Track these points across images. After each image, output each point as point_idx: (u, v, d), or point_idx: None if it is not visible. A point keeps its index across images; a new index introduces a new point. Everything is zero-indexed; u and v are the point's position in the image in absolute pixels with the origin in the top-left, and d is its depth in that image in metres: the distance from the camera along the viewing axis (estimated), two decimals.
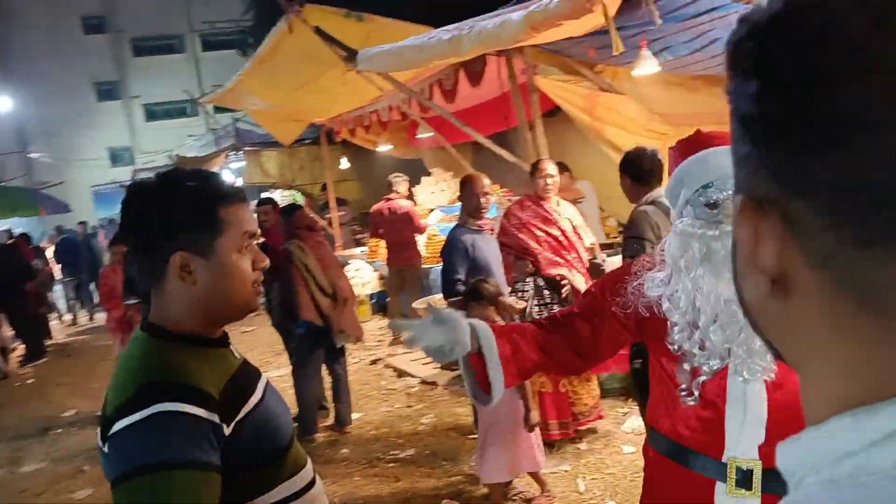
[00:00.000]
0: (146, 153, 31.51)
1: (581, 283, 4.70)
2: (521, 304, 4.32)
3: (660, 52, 4.94)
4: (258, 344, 9.07)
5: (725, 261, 1.65)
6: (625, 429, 5.04)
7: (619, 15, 4.31)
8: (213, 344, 1.46)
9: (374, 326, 9.09)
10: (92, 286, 15.23)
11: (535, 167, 4.81)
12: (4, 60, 30.69)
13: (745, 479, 1.70)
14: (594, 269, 3.87)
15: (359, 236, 11.45)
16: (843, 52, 0.40)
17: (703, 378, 1.72)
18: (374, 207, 8.34)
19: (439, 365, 7.04)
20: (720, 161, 1.71)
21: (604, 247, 5.96)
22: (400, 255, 8.17)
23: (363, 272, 9.44)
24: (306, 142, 12.59)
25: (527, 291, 4.71)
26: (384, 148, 10.40)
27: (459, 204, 9.95)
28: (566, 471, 4.55)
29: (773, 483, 1.69)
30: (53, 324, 13.54)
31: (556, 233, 4.73)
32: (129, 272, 6.03)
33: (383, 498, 4.56)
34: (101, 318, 13.20)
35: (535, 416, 3.85)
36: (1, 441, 6.91)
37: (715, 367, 1.70)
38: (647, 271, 1.84)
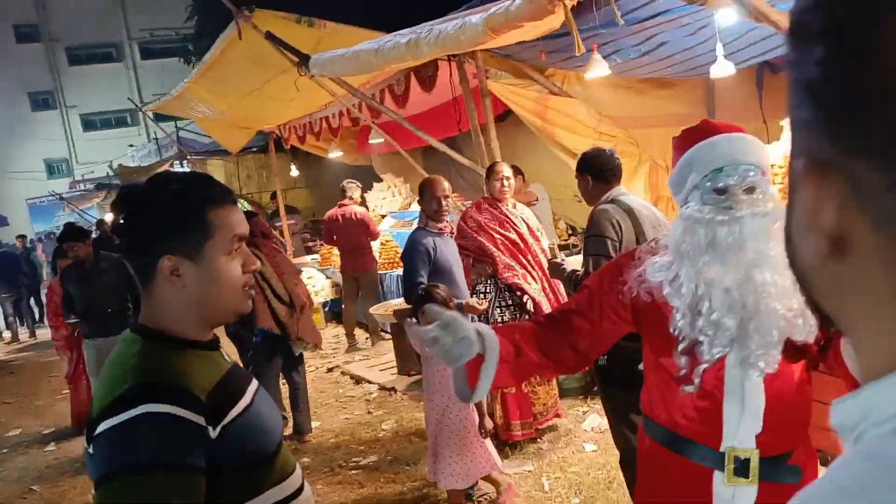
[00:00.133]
0: (85, 164, 30.71)
1: (537, 290, 4.74)
2: (483, 306, 4.34)
3: (610, 56, 5.03)
4: None
5: (732, 248, 1.67)
6: (585, 427, 5.10)
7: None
8: (202, 347, 1.44)
9: (329, 334, 9.02)
10: (32, 301, 14.74)
11: (491, 170, 4.84)
12: None
13: (742, 468, 1.72)
14: (554, 269, 3.90)
15: (310, 244, 11.36)
16: None
17: (703, 366, 1.72)
18: (328, 214, 8.28)
19: (397, 371, 7.03)
20: (730, 147, 1.74)
21: (561, 248, 6.03)
22: (355, 261, 8.13)
23: (316, 280, 9.36)
24: (253, 150, 12.44)
25: (488, 293, 4.74)
26: (334, 154, 10.35)
27: (411, 209, 10.08)
28: (530, 471, 4.58)
29: (770, 471, 1.73)
30: None
31: (513, 236, 4.77)
32: (68, 290, 5.80)
33: None
34: (43, 334, 12.81)
35: (489, 421, 3.82)
36: None
37: (717, 355, 1.70)
38: (651, 256, 1.84)
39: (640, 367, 2.64)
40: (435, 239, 4.18)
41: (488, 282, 4.72)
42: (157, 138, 18.26)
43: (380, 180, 10.95)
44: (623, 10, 4.41)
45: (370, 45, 4.34)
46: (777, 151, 5.43)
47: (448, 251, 4.26)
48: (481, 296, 4.70)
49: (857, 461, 0.45)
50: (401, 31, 4.24)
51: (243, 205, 13.35)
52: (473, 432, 3.91)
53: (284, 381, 5.73)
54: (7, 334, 14.36)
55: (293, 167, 12.08)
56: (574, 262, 5.74)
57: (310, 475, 5.01)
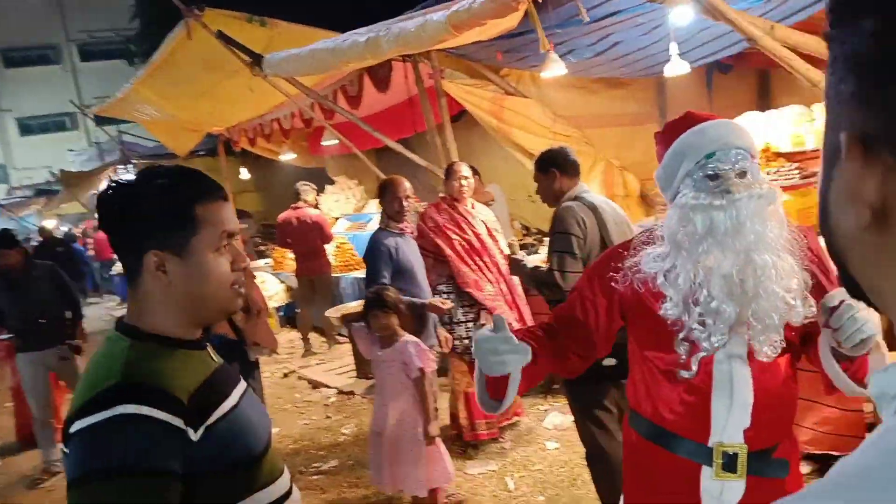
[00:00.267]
0: (22, 170, 29.80)
1: (492, 293, 4.73)
2: (447, 305, 4.31)
3: (565, 55, 5.05)
4: None
5: (730, 232, 1.65)
6: (546, 425, 5.12)
7: (528, 17, 4.39)
8: (188, 346, 1.40)
9: (284, 339, 8.89)
10: None
11: (450, 170, 4.82)
12: None
13: (730, 463, 1.72)
14: (514, 266, 3.88)
15: (262, 248, 11.19)
16: None
17: (702, 354, 1.71)
18: (282, 216, 8.16)
19: (356, 374, 6.96)
20: (720, 132, 1.73)
21: (527, 246, 6.05)
22: (310, 264, 8.03)
23: (269, 284, 9.22)
24: (202, 153, 12.20)
25: (450, 293, 4.72)
26: (286, 157, 10.20)
27: (366, 211, 10.01)
28: (493, 470, 4.58)
29: (757, 465, 1.73)
30: None
31: (471, 236, 4.75)
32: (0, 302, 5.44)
33: None
34: None
35: (433, 428, 3.73)
36: None
37: (716, 344, 1.69)
38: (646, 247, 1.83)
39: (605, 362, 2.65)
40: (396, 239, 4.15)
41: (449, 282, 4.70)
42: (98, 142, 17.80)
43: (333, 183, 10.84)
44: (572, 11, 4.44)
45: (327, 44, 4.28)
46: None
47: (409, 251, 4.23)
48: (444, 296, 4.68)
49: None
50: (358, 30, 4.19)
51: None
52: (438, 438, 3.85)
53: None
54: None
55: (243, 170, 11.89)
56: (533, 260, 5.77)
57: None
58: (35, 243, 14.18)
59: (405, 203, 4.16)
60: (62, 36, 33.14)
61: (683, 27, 4.64)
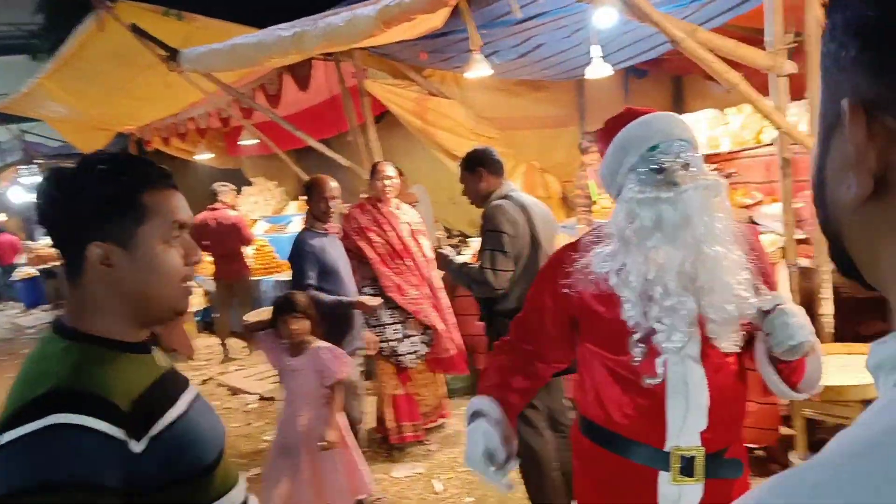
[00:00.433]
0: None
1: (414, 296, 4.70)
2: (376, 302, 4.22)
3: (489, 56, 5.07)
4: None
5: (680, 225, 1.62)
6: None
7: (452, 18, 4.38)
8: (132, 349, 1.29)
9: (202, 344, 8.61)
10: None
11: (375, 169, 4.77)
12: None
13: (688, 467, 1.67)
14: (441, 260, 3.81)
15: None
16: None
17: (665, 356, 1.64)
18: (198, 218, 7.88)
19: (277, 379, 6.80)
20: (662, 124, 1.70)
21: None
22: (228, 267, 7.80)
23: None
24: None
25: (375, 296, 4.66)
26: (202, 157, 9.89)
27: (286, 213, 9.82)
28: (421, 473, 4.54)
29: (714, 467, 1.69)
30: None
31: (393, 238, 4.71)
32: None
33: None
34: None
35: (332, 434, 3.47)
36: None
37: (678, 343, 1.63)
38: (594, 247, 1.77)
39: None
40: (322, 240, 4.06)
41: (374, 284, 4.64)
42: None
43: (250, 184, 10.60)
44: (496, 13, 4.47)
45: (249, 39, 4.16)
46: None
47: (335, 252, 4.15)
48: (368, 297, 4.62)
49: None
50: (281, 25, 4.08)
51: None
52: (353, 445, 3.72)
53: None
54: None
55: None
56: (461, 258, 5.76)
57: None
58: None
59: (332, 203, 4.07)
60: None
61: (605, 31, 4.72)
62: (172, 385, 1.33)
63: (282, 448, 3.61)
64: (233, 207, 8.08)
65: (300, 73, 6.19)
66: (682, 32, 3.01)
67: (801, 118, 4.06)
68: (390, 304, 4.67)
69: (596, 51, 4.78)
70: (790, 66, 3.39)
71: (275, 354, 3.66)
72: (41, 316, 12.90)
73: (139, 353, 1.30)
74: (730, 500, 1.74)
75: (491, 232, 3.38)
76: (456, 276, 3.65)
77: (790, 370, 1.67)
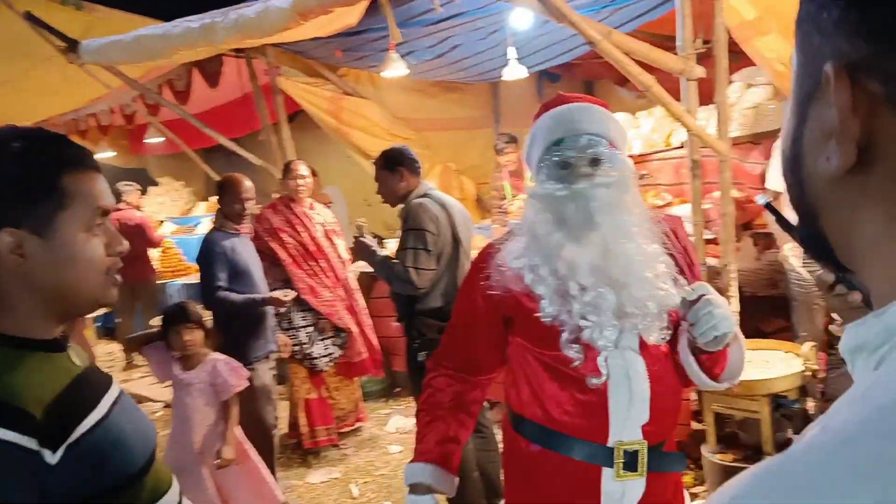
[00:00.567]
0: None
1: (328, 299, 4.61)
2: (290, 296, 4.05)
3: (405, 56, 5.03)
4: None
5: (582, 224, 1.59)
6: (389, 429, 5.06)
7: (367, 16, 4.32)
8: (45, 347, 1.15)
9: (103, 351, 8.23)
10: None
11: (287, 168, 4.65)
12: None
13: (631, 462, 1.63)
14: (361, 249, 3.64)
15: None
16: None
17: (605, 354, 1.60)
18: None
19: None
20: (571, 116, 1.64)
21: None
22: (131, 270, 7.42)
23: None
24: None
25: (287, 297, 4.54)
26: (103, 155, 9.45)
27: (194, 214, 9.49)
28: (337, 478, 4.45)
29: (656, 461, 1.66)
30: None
31: (306, 239, 4.60)
32: None
33: None
34: None
35: (228, 451, 3.28)
36: None
37: (611, 338, 1.59)
38: (507, 244, 1.73)
39: None
40: (233, 240, 3.91)
41: (286, 286, 4.51)
42: None
43: (156, 184, 10.21)
44: (412, 12, 4.44)
45: (155, 30, 3.97)
46: None
47: (246, 252, 4.01)
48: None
49: (890, 380, 0.42)
50: (190, 17, 3.92)
51: None
52: (256, 458, 3.53)
53: None
54: None
55: None
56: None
57: None
58: None
59: (248, 204, 3.93)
60: None
61: (520, 34, 4.76)
62: (92, 386, 1.20)
63: (176, 467, 3.33)
64: (137, 208, 7.77)
65: (210, 69, 5.99)
66: (599, 34, 3.05)
67: (710, 122, 4.19)
68: (303, 306, 4.56)
69: (512, 52, 4.81)
70: (700, 71, 3.48)
71: (164, 368, 3.40)
72: None
73: (53, 351, 1.17)
74: (669, 494, 1.75)
75: (414, 230, 3.33)
76: (378, 268, 3.53)
77: (712, 361, 1.66)
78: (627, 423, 1.64)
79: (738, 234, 4.21)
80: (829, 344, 3.97)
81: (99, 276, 1.18)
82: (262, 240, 4.50)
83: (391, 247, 5.72)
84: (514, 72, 4.88)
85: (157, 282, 7.78)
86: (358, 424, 5.01)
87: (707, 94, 3.79)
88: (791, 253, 3.73)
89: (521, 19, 4.24)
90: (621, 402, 1.63)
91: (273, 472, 3.99)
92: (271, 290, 4.40)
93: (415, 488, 1.82)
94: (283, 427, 4.65)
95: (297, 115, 6.90)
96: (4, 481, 1.00)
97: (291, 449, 4.80)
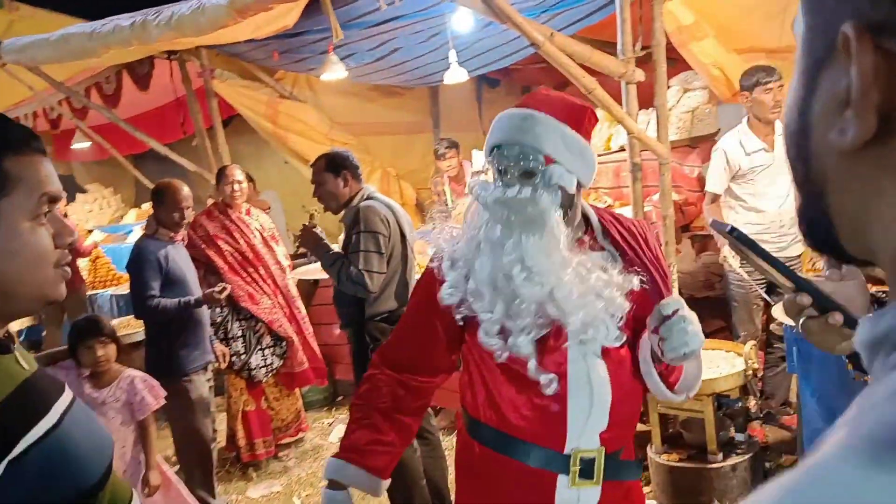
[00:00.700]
0: None
1: (268, 307, 4.49)
2: (225, 292, 3.87)
3: (344, 59, 4.97)
4: None
5: (497, 239, 1.56)
6: (332, 439, 4.95)
7: (304, 18, 4.24)
8: None
9: None
10: None
11: (222, 173, 4.51)
12: None
13: (587, 469, 1.60)
14: (310, 237, 3.46)
15: None
16: None
17: (563, 364, 1.57)
18: None
19: None
20: (512, 123, 1.60)
21: (293, 257, 5.83)
22: None
23: None
24: None
25: (225, 307, 4.40)
26: None
27: (124, 222, 9.17)
28: (278, 491, 4.33)
29: (613, 469, 1.63)
30: None
31: (244, 247, 4.48)
32: None
33: None
34: None
35: (155, 476, 3.08)
36: None
37: (524, 351, 1.56)
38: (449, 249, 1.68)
39: None
40: (166, 247, 3.76)
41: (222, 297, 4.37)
42: None
43: (84, 191, 9.85)
44: (352, 14, 4.38)
45: (84, 28, 3.80)
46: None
47: (181, 260, 3.86)
48: (215, 311, 4.35)
49: None
50: (120, 16, 3.77)
51: None
52: (175, 479, 3.27)
53: None
54: None
55: None
56: (310, 272, 5.59)
57: None
58: None
59: (187, 213, 3.78)
60: None
61: (460, 37, 4.74)
62: (40, 392, 1.09)
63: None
64: (64, 216, 7.46)
65: (140, 71, 5.80)
66: (542, 36, 3.04)
67: (649, 125, 4.24)
68: (241, 315, 4.44)
69: (453, 56, 4.79)
70: (640, 74, 3.52)
71: (74, 388, 3.13)
72: None
73: None
74: (625, 502, 1.73)
75: (366, 233, 3.26)
76: (328, 264, 3.39)
77: (669, 371, 1.65)
78: (586, 429, 1.61)
79: (678, 237, 4.27)
80: (767, 343, 4.06)
81: (46, 269, 1.07)
82: (198, 247, 4.36)
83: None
84: (456, 75, 4.86)
85: (87, 293, 7.48)
86: (300, 435, 4.89)
87: (644, 99, 3.83)
88: (730, 254, 3.79)
89: (463, 22, 4.22)
90: (581, 409, 1.60)
91: (212, 488, 3.87)
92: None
93: (332, 483, 1.78)
94: (221, 440, 4.50)
95: (231, 120, 6.75)
96: None
97: (231, 462, 4.66)
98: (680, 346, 1.49)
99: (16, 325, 8.13)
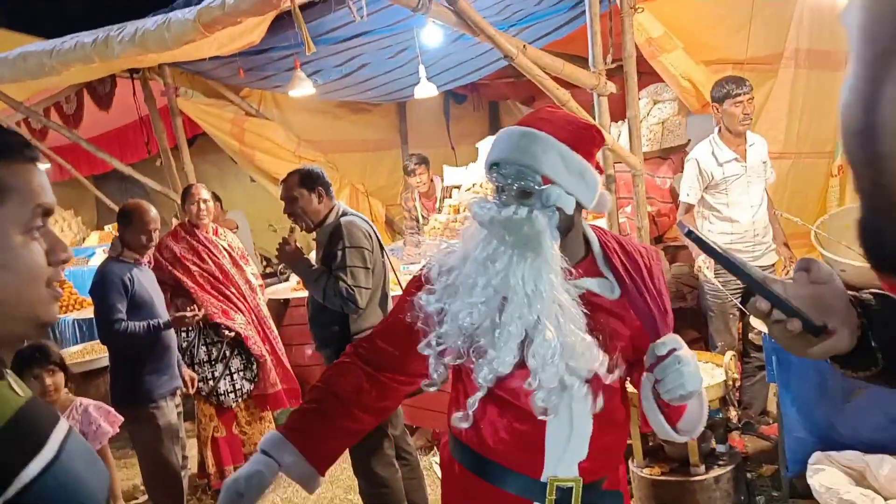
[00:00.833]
0: None
1: (242, 324, 4.40)
2: (197, 315, 3.76)
3: (311, 76, 4.91)
4: None
5: (494, 250, 1.51)
6: None
7: (270, 35, 4.18)
8: None
9: None
10: None
11: (187, 193, 4.40)
12: None
13: (563, 499, 1.55)
14: (290, 255, 3.31)
15: None
16: None
17: (539, 394, 1.48)
18: None
19: None
20: (510, 143, 1.55)
21: (265, 276, 5.73)
22: None
23: None
24: None
25: (190, 331, 4.29)
26: None
27: (85, 245, 8.95)
28: None
29: (592, 499, 1.58)
30: None
31: (212, 267, 4.37)
32: None
33: None
34: None
35: None
36: None
37: (490, 380, 1.51)
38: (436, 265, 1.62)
39: None
40: (132, 270, 3.64)
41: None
42: None
43: None
44: (319, 30, 4.33)
45: (44, 46, 3.68)
46: (466, 174, 5.74)
47: (147, 283, 3.74)
48: (181, 335, 4.23)
49: None
50: (81, 33, 3.66)
51: None
52: None
53: None
54: None
55: None
56: (280, 292, 5.49)
57: None
58: None
59: (155, 235, 3.67)
60: None
61: (428, 53, 4.71)
62: (37, 422, 0.97)
63: None
64: None
65: (101, 90, 5.68)
66: (515, 49, 3.02)
67: (620, 137, 4.24)
68: (207, 339, 4.32)
69: (423, 70, 4.76)
70: (612, 86, 3.51)
71: None
72: None
73: None
74: None
75: (352, 248, 3.19)
76: (312, 279, 3.28)
77: (672, 410, 1.58)
78: (564, 458, 1.56)
79: None
80: (743, 352, 4.06)
81: (39, 287, 0.97)
82: (164, 269, 4.24)
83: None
84: (426, 90, 4.82)
85: None
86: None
87: (615, 111, 3.84)
88: (705, 265, 3.79)
89: (432, 36, 4.19)
90: (559, 437, 1.55)
91: None
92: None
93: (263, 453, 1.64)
94: (192, 467, 4.37)
95: (195, 139, 6.64)
96: None
97: (202, 490, 4.52)
98: (675, 387, 1.44)
99: None
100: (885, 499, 2.73)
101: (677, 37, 4.05)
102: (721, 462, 3.34)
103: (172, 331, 3.81)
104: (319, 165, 4.37)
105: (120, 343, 3.57)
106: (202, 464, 4.49)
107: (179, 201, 4.59)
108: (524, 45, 3.11)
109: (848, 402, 2.98)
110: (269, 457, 1.60)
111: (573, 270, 1.54)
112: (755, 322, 3.29)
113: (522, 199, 1.51)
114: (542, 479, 1.56)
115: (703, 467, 3.27)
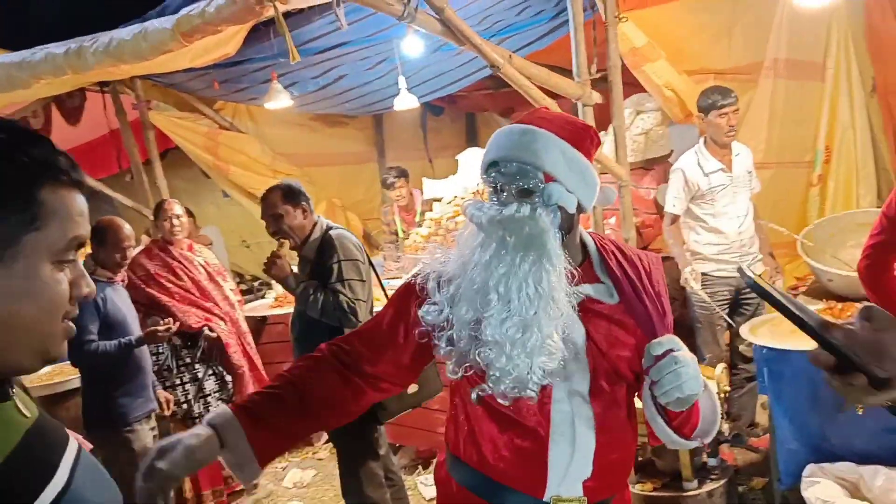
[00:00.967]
0: None
1: (224, 328, 4.29)
2: (172, 328, 3.63)
3: (288, 87, 4.82)
4: None
5: (495, 250, 1.44)
6: (286, 484, 4.71)
7: (246, 46, 4.09)
8: None
9: None
10: None
11: (160, 208, 4.27)
12: None
13: None
14: (277, 266, 3.20)
15: None
16: None
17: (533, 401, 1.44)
18: None
19: None
20: (509, 140, 1.49)
21: (244, 293, 5.60)
22: None
23: None
24: None
25: (161, 353, 4.15)
26: None
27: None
28: None
29: None
30: None
31: (188, 283, 4.25)
32: None
33: None
34: None
35: None
36: None
37: (509, 389, 1.42)
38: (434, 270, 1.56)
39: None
40: (105, 289, 3.51)
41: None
42: None
43: None
44: (296, 42, 4.24)
45: (12, 58, 3.55)
46: (447, 187, 5.66)
47: (120, 302, 3.61)
48: (153, 357, 4.08)
49: None
50: (52, 44, 3.54)
51: None
52: None
53: None
54: None
55: None
56: (258, 309, 5.37)
57: None
58: None
59: (129, 252, 3.54)
60: None
61: (407, 64, 4.65)
62: (46, 443, 0.90)
63: None
64: None
65: (70, 104, 5.55)
66: (501, 58, 2.96)
67: (604, 148, 4.20)
68: (180, 362, 4.19)
69: (403, 82, 4.69)
70: (597, 96, 3.47)
71: None
72: None
73: None
74: None
75: (347, 261, 3.10)
76: (307, 293, 3.13)
77: (681, 421, 1.51)
78: (567, 476, 1.49)
79: None
80: (731, 364, 4.02)
81: (55, 321, 0.88)
82: (138, 288, 4.10)
83: (278, 291, 5.40)
84: (406, 101, 4.74)
85: None
86: (252, 481, 4.63)
87: (599, 121, 3.79)
88: (691, 276, 3.75)
89: (412, 47, 4.12)
90: (562, 454, 1.48)
91: None
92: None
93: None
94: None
95: (167, 154, 6.50)
96: None
97: None
98: (672, 389, 1.36)
99: None
100: None
101: (661, 45, 4.02)
102: (713, 476, 3.29)
103: (147, 352, 3.69)
104: (296, 179, 4.29)
105: (92, 363, 3.44)
106: (179, 490, 4.35)
107: (152, 217, 4.46)
108: (510, 55, 3.06)
109: (841, 412, 2.94)
110: (215, 431, 1.48)
111: (576, 272, 1.47)
112: (745, 333, 3.24)
113: (523, 198, 1.45)
114: (545, 498, 1.49)
115: (695, 482, 3.22)
